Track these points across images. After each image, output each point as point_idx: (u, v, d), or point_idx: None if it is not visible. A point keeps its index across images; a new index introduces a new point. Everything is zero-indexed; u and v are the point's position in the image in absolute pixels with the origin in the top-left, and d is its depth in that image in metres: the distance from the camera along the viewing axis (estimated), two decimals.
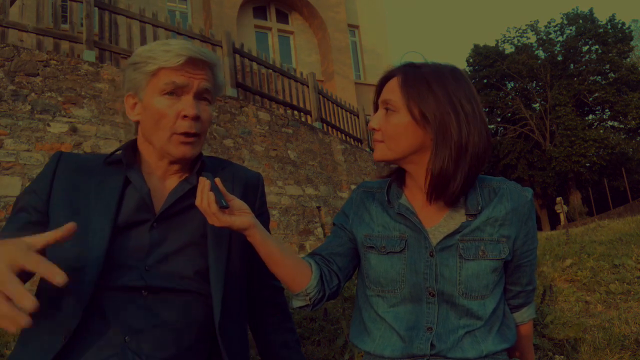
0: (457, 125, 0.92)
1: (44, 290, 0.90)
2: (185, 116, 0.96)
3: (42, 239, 0.73)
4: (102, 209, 0.94)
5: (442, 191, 0.95)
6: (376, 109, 1.04)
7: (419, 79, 0.95)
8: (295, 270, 0.96)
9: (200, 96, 1.00)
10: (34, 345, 0.86)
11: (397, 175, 1.08)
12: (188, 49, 0.98)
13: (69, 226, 0.74)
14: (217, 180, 0.90)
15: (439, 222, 1.00)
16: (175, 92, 0.97)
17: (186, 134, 0.97)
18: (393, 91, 0.98)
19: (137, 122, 1.04)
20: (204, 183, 0.88)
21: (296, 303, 1.00)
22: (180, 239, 0.97)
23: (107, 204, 0.94)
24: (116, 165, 1.01)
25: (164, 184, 1.02)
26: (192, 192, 0.99)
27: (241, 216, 0.89)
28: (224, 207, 0.86)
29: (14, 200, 3.73)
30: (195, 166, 1.05)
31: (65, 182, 0.97)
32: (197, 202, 0.87)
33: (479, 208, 0.98)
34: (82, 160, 1.02)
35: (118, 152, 1.03)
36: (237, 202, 0.91)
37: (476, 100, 0.97)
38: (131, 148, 1.04)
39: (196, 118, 0.98)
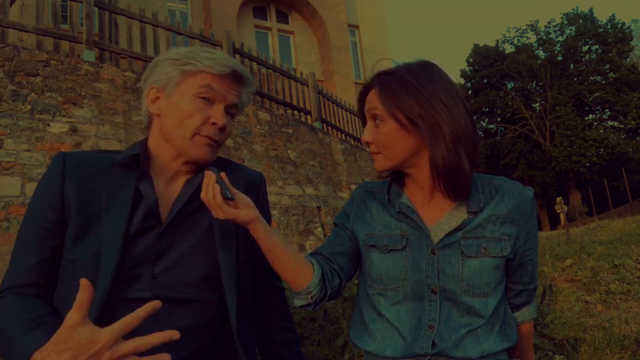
0: (444, 117, 0.93)
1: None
2: (214, 123, 0.98)
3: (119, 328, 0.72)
4: (114, 219, 0.92)
5: (456, 183, 0.95)
6: (363, 121, 1.05)
7: (394, 86, 0.97)
8: (297, 267, 0.96)
9: (227, 109, 1.02)
10: None
11: (396, 175, 1.09)
12: (234, 62, 1.00)
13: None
14: (223, 174, 0.91)
15: (440, 220, 1.00)
16: (209, 98, 0.98)
17: (209, 138, 0.99)
18: (375, 102, 0.99)
19: (152, 117, 1.02)
20: (209, 176, 0.88)
21: (298, 302, 1.00)
22: (187, 244, 0.97)
23: (119, 215, 0.93)
24: (125, 168, 0.98)
25: (171, 187, 1.01)
26: (197, 194, 0.98)
27: (245, 210, 0.90)
28: (228, 198, 0.87)
29: (14, 201, 3.71)
30: (202, 167, 1.05)
31: (76, 188, 0.94)
32: (203, 194, 0.88)
33: (481, 205, 0.99)
34: (88, 162, 0.98)
35: (128, 155, 0.99)
36: (241, 197, 0.92)
37: (454, 89, 0.98)
38: (144, 149, 1.02)
39: (223, 128, 1.00)
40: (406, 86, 0.95)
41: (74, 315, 0.69)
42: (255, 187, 1.12)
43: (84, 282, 0.70)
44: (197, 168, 1.04)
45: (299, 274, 0.96)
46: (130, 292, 0.89)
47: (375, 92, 0.99)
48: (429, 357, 0.94)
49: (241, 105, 1.06)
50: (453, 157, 0.93)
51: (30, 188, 3.98)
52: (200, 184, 0.99)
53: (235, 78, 1.01)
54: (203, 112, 0.98)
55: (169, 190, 1.01)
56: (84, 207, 0.93)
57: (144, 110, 1.04)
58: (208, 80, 0.98)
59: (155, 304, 0.71)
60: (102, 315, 0.85)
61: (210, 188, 0.87)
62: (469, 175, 0.95)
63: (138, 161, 0.98)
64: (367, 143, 1.02)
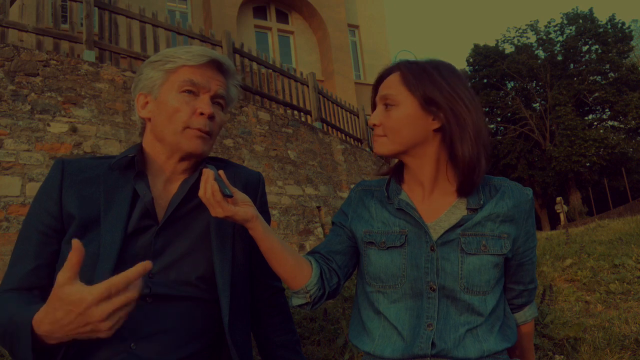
0: (467, 110, 0.95)
1: None
2: (201, 114, 0.99)
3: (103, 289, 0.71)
4: (113, 220, 0.93)
5: (471, 179, 0.96)
6: (374, 108, 1.05)
7: (420, 71, 0.98)
8: (295, 267, 0.96)
9: (214, 100, 1.03)
10: None
11: (395, 172, 1.09)
12: (211, 52, 1.02)
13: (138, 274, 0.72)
14: (221, 172, 0.91)
15: (440, 217, 1.00)
16: (192, 91, 0.99)
17: (200, 130, 0.99)
18: (393, 86, 0.99)
19: (145, 122, 1.04)
20: (207, 174, 0.88)
21: (296, 301, 1.00)
22: (184, 244, 0.97)
23: (118, 215, 0.93)
24: (123, 171, 0.99)
25: (168, 187, 1.02)
26: (193, 193, 0.99)
27: (244, 207, 0.90)
28: (227, 195, 0.87)
29: (14, 201, 3.70)
30: (199, 166, 1.05)
31: (74, 195, 0.95)
32: (201, 192, 0.87)
33: (481, 203, 0.99)
34: (87, 167, 0.99)
35: (124, 156, 1.01)
36: (240, 195, 0.92)
37: (472, 91, 1.00)
38: (140, 152, 1.03)
39: (211, 117, 1.00)
40: (431, 74, 0.97)
41: (63, 274, 0.70)
42: (254, 187, 1.12)
43: (75, 243, 0.70)
44: (194, 165, 1.04)
45: (297, 273, 0.96)
46: None
47: (397, 75, 1.00)
48: (428, 358, 0.94)
49: (229, 96, 1.07)
50: (475, 153, 0.94)
51: (30, 188, 3.98)
52: (196, 182, 0.99)
53: (216, 67, 1.03)
54: (189, 105, 0.99)
55: (166, 191, 1.01)
56: (83, 212, 0.93)
57: (137, 118, 1.06)
58: (189, 73, 0.99)
59: (146, 264, 0.70)
60: None
61: (209, 185, 0.87)
62: (482, 173, 0.96)
63: (135, 163, 0.99)
64: (374, 126, 1.01)
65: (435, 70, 0.97)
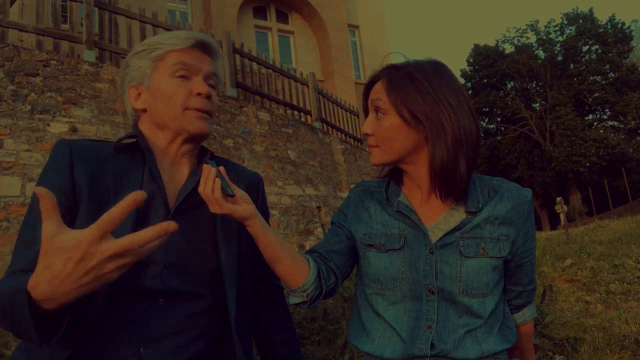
0: (448, 118, 0.93)
1: None
2: (198, 94, 0.99)
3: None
4: None
5: (449, 185, 0.95)
6: (366, 113, 1.04)
7: (402, 80, 0.96)
8: (293, 265, 0.96)
9: (207, 81, 1.03)
10: (35, 353, 0.83)
11: (394, 174, 1.08)
12: (195, 33, 1.02)
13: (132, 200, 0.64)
14: (222, 168, 0.90)
15: (438, 220, 1.00)
16: (185, 75, 0.99)
17: (199, 110, 0.99)
18: (380, 95, 0.98)
19: (139, 113, 1.03)
20: (208, 170, 0.87)
21: (293, 299, 0.99)
22: (195, 236, 0.96)
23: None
24: (129, 153, 0.98)
25: (175, 177, 1.01)
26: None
27: (243, 205, 0.90)
28: (230, 195, 0.86)
29: (14, 201, 3.69)
30: (204, 157, 1.05)
31: (85, 171, 0.92)
32: (200, 188, 0.87)
33: (479, 206, 0.98)
34: (92, 148, 0.97)
35: (127, 140, 1.00)
36: (239, 192, 0.92)
37: (461, 91, 0.97)
38: (141, 137, 1.01)
39: (208, 96, 1.00)
40: (414, 82, 0.95)
41: (47, 226, 0.64)
42: (255, 188, 1.12)
43: (39, 190, 0.64)
44: (196, 147, 1.04)
45: (295, 271, 0.96)
46: (141, 283, 0.88)
47: (382, 84, 0.99)
48: (428, 358, 0.94)
49: (218, 76, 1.07)
50: (451, 159, 0.93)
51: (30, 188, 3.98)
52: None
53: (203, 48, 1.02)
54: (184, 88, 0.98)
55: (173, 180, 1.00)
56: (94, 192, 0.91)
57: (130, 112, 1.04)
58: (177, 57, 0.99)
59: (169, 224, 0.65)
60: (109, 310, 0.84)
61: (210, 182, 0.86)
62: (464, 180, 0.94)
63: (140, 148, 0.98)
64: (367, 135, 1.01)
65: (420, 75, 0.95)
